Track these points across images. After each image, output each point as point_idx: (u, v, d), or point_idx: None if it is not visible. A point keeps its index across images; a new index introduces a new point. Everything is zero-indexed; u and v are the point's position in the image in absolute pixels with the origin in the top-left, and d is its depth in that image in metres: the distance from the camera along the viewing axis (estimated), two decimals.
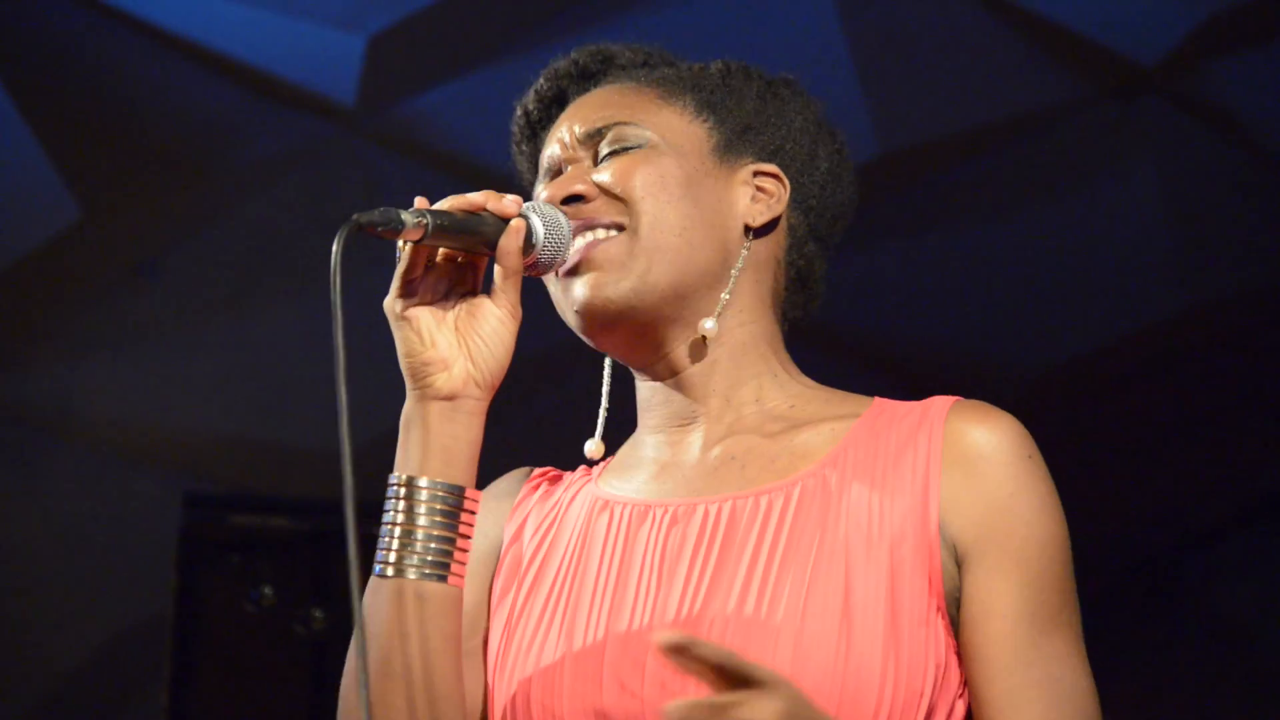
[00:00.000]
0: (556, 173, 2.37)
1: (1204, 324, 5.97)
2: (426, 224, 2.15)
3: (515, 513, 2.39)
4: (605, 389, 2.43)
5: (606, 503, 2.32)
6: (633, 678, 2.13)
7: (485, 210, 2.22)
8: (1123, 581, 6.71)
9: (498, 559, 2.35)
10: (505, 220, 2.21)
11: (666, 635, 1.83)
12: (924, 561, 2.13)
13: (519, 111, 2.49)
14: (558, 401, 5.04)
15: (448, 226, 2.17)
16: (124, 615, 6.08)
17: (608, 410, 2.43)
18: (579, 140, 2.37)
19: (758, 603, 2.13)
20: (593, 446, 2.40)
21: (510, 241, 2.20)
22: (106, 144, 5.38)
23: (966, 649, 2.14)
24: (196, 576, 5.59)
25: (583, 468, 2.43)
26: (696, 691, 2.03)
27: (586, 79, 2.46)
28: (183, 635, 5.55)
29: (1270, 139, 5.53)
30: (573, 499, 2.37)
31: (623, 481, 2.34)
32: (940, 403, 2.23)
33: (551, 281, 2.33)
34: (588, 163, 2.36)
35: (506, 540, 2.36)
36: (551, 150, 2.39)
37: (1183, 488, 6.64)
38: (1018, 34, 5.30)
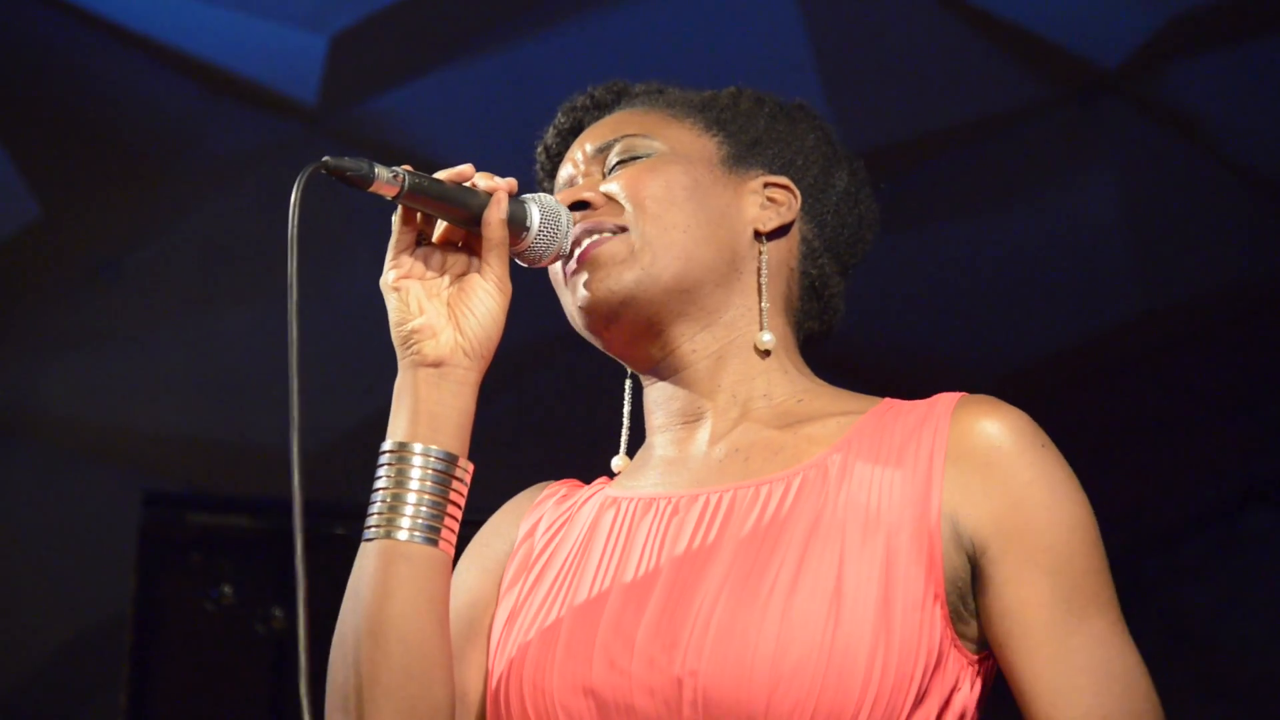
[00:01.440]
0: (569, 187, 2.41)
1: (1162, 326, 5.99)
2: (403, 181, 2.16)
3: (531, 514, 2.41)
4: (627, 406, 2.45)
5: (614, 500, 2.34)
6: (622, 655, 2.14)
7: (474, 184, 2.24)
8: None
9: (510, 556, 2.38)
10: (491, 195, 2.24)
11: None
12: (922, 550, 2.13)
13: (539, 148, 2.52)
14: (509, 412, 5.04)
15: (426, 187, 2.19)
16: (83, 614, 6.06)
17: (629, 428, 2.44)
18: (589, 156, 2.40)
19: (747, 579, 2.13)
20: (619, 463, 2.43)
21: (493, 213, 2.22)
22: (67, 143, 5.37)
23: (1005, 643, 2.13)
24: (156, 575, 5.57)
25: (602, 478, 2.45)
26: (684, 669, 2.08)
27: (601, 109, 2.49)
28: (142, 634, 5.53)
29: (1230, 141, 5.56)
30: (586, 501, 2.39)
31: (632, 481, 2.36)
32: (947, 398, 2.24)
33: (560, 288, 2.36)
34: (598, 176, 2.39)
35: (520, 537, 2.39)
36: (565, 170, 2.43)
37: (1140, 490, 6.67)
38: (979, 36, 5.31)
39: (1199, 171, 5.58)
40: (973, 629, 2.16)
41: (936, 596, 2.12)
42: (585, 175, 2.40)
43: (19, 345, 5.78)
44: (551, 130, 2.52)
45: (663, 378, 2.37)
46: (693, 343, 2.34)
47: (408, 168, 2.19)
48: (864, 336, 5.81)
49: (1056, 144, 5.56)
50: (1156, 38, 5.34)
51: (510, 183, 2.26)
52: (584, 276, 2.31)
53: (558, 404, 5.67)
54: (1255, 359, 6.18)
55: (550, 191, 2.48)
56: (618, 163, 2.38)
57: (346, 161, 2.14)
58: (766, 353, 2.35)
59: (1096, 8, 5.32)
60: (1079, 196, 5.66)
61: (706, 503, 2.25)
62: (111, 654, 5.64)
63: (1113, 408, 6.30)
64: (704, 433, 2.34)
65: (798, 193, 2.41)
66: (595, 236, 2.32)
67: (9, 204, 5.44)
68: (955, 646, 2.14)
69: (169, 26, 5.20)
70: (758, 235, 2.38)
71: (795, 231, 2.41)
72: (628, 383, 2.46)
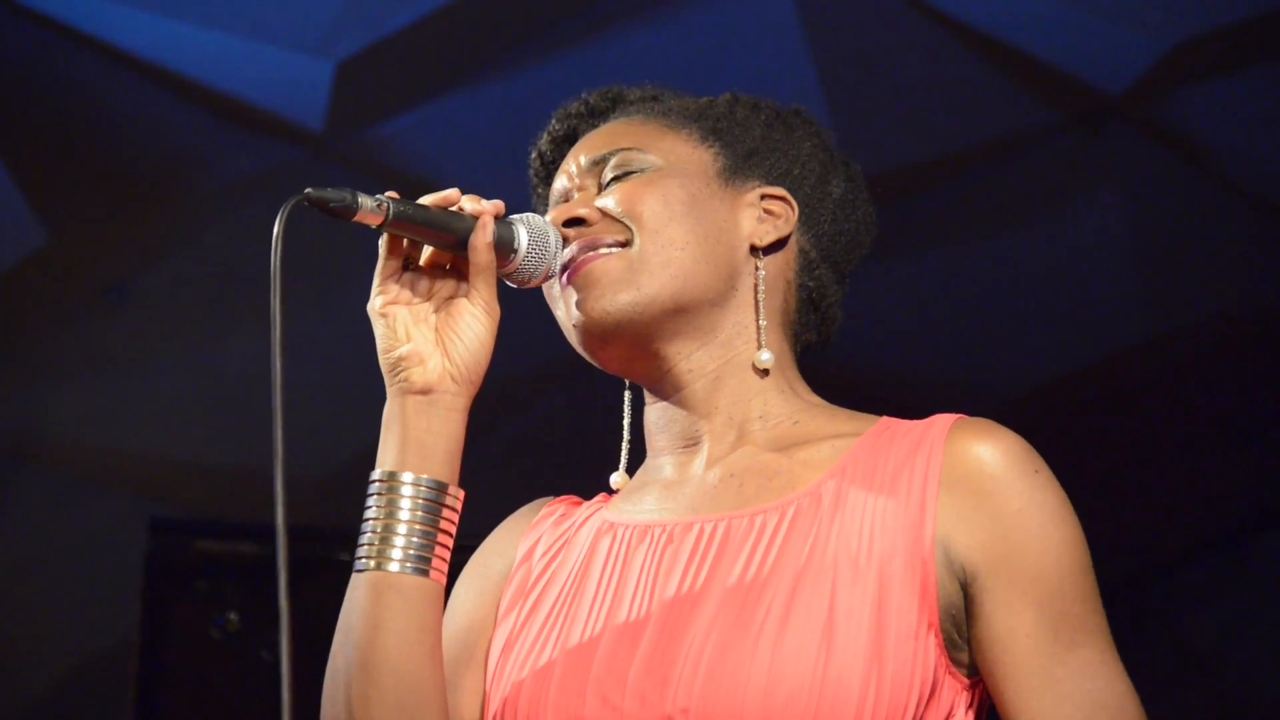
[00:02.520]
0: (564, 202, 2.39)
1: (1169, 351, 5.99)
2: (387, 209, 2.16)
3: (529, 534, 2.40)
4: (626, 420, 2.44)
5: (611, 525, 2.33)
6: (614, 691, 2.13)
7: (461, 207, 2.23)
8: None
9: (508, 578, 2.37)
10: (478, 219, 2.22)
11: None
12: (915, 578, 2.12)
13: (533, 154, 2.51)
14: (518, 434, 5.04)
15: (411, 215, 2.18)
16: (89, 640, 6.06)
17: (630, 441, 2.44)
18: (584, 169, 2.39)
19: (739, 615, 2.12)
20: (618, 479, 2.42)
21: (479, 237, 2.21)
22: (74, 168, 5.38)
23: (994, 671, 2.12)
24: (162, 602, 5.57)
25: (601, 495, 2.44)
26: (674, 706, 2.07)
27: (596, 116, 2.48)
28: (148, 661, 5.53)
29: (1236, 166, 5.56)
30: (583, 523, 2.38)
31: (630, 505, 2.35)
32: (942, 421, 2.23)
33: (556, 303, 2.34)
34: (593, 190, 2.37)
35: (518, 560, 2.37)
36: (559, 182, 2.41)
37: (1146, 514, 6.66)
38: (985, 61, 5.31)
39: (1205, 196, 5.58)
40: (967, 655, 2.15)
41: (930, 625, 2.11)
42: (580, 189, 2.38)
43: (26, 370, 5.78)
44: (546, 137, 2.50)
45: (663, 396, 2.36)
46: (689, 362, 2.33)
47: (392, 195, 2.18)
48: (871, 360, 5.80)
49: (1063, 169, 5.56)
50: (1162, 63, 5.34)
51: (497, 205, 2.25)
52: (577, 294, 2.30)
53: (562, 426, 5.67)
54: (1261, 384, 6.17)
55: (544, 198, 2.47)
56: (613, 178, 2.36)
57: (329, 193, 2.14)
58: (765, 371, 2.34)
59: (1102, 34, 5.32)
60: (1085, 221, 5.66)
61: (701, 532, 2.23)
62: (117, 681, 5.63)
63: (1119, 432, 6.30)
64: (701, 457, 2.33)
65: (795, 204, 2.40)
66: (595, 254, 2.30)
67: (16, 230, 5.45)
68: (950, 673, 2.13)
69: (176, 53, 5.21)
70: (754, 250, 2.36)
71: (792, 243, 2.40)
72: (627, 394, 2.45)
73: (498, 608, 2.34)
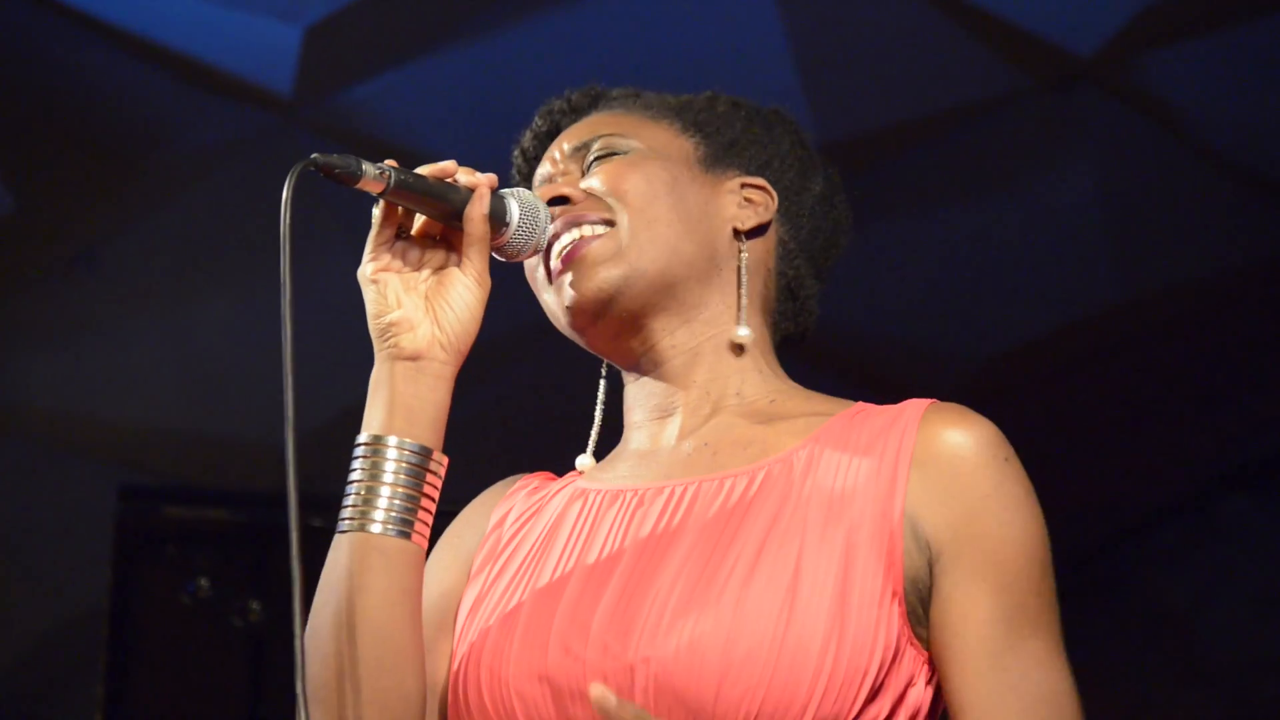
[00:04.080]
0: (547, 184, 2.42)
1: (1139, 315, 6.00)
2: (389, 177, 2.17)
3: (502, 504, 2.43)
4: (600, 401, 2.46)
5: (583, 491, 2.35)
6: (577, 642, 2.15)
7: (456, 179, 2.25)
8: (1061, 572, 6.74)
9: (479, 546, 2.39)
10: (473, 191, 2.25)
11: (596, 691, 1.92)
12: (881, 548, 2.14)
13: (516, 151, 2.54)
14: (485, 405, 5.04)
15: (411, 184, 2.20)
16: (60, 608, 6.05)
17: (602, 423, 2.46)
18: (568, 155, 2.42)
19: (704, 569, 2.14)
20: (585, 461, 2.44)
21: (475, 208, 2.24)
22: (42, 134, 5.36)
23: (944, 652, 2.14)
24: (133, 569, 5.57)
25: (574, 471, 2.46)
26: (637, 656, 2.09)
27: (577, 113, 2.50)
28: (119, 628, 5.53)
29: (1206, 130, 5.56)
30: (557, 493, 2.40)
31: (604, 474, 2.38)
32: (916, 404, 2.25)
33: (543, 288, 2.37)
34: (576, 175, 2.40)
35: (489, 528, 2.40)
36: (543, 168, 2.44)
37: (1117, 477, 6.68)
38: (954, 25, 5.31)
39: (1175, 160, 5.59)
40: (927, 630, 2.17)
41: (895, 594, 2.13)
42: (564, 174, 2.41)
43: None
44: (529, 134, 2.53)
45: (642, 373, 2.39)
46: (672, 338, 2.36)
47: (392, 163, 2.20)
48: (843, 326, 5.81)
49: (1032, 133, 5.57)
50: (1131, 26, 5.35)
51: (491, 178, 2.27)
52: (570, 276, 2.32)
53: (541, 394, 5.67)
54: (1230, 347, 6.19)
55: None
56: (595, 159, 2.39)
57: (335, 159, 2.15)
58: (741, 349, 2.37)
59: None
60: (1055, 185, 5.67)
61: (671, 494, 2.26)
62: (88, 648, 5.63)
63: (1089, 396, 6.32)
64: (674, 427, 2.35)
65: (774, 194, 2.43)
66: (579, 234, 2.33)
67: None
68: (912, 644, 2.14)
69: (144, 18, 5.19)
70: (736, 234, 2.39)
71: (772, 232, 2.43)
72: (602, 382, 2.47)
73: (469, 574, 2.36)
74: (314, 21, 5.22)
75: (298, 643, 2.03)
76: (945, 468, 2.18)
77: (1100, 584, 6.92)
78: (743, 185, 2.42)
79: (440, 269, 2.26)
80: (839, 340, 5.83)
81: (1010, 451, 2.21)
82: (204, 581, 5.53)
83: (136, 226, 5.57)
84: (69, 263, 5.64)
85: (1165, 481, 6.77)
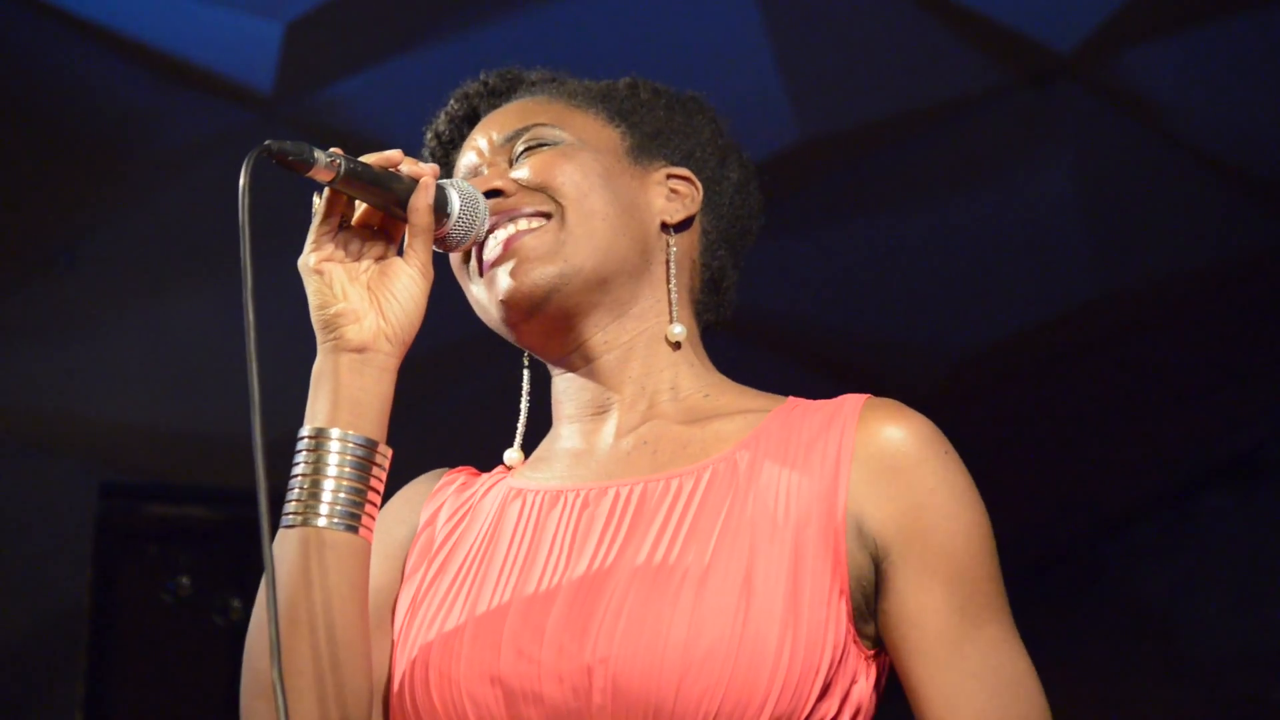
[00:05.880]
0: (475, 177, 2.40)
1: (1118, 310, 6.01)
2: (339, 166, 2.16)
3: (431, 501, 2.41)
4: (525, 397, 2.46)
5: (520, 491, 2.34)
6: (531, 644, 2.14)
7: (400, 170, 2.24)
8: (1041, 568, 6.76)
9: (411, 542, 2.37)
10: (417, 181, 2.23)
11: None
12: (828, 546, 2.15)
13: (429, 135, 2.52)
14: (473, 396, 5.03)
15: (360, 173, 2.19)
16: (40, 605, 6.04)
17: (526, 420, 2.45)
18: (496, 145, 2.40)
19: (659, 570, 2.14)
20: (513, 456, 2.43)
21: (420, 199, 2.22)
22: (20, 132, 5.34)
23: (903, 646, 2.15)
24: (113, 566, 5.57)
25: (501, 466, 2.45)
26: (594, 657, 2.09)
27: (496, 96, 2.50)
28: (99, 626, 5.52)
29: (1184, 126, 5.58)
30: (488, 490, 2.39)
31: (538, 473, 2.36)
32: (854, 399, 2.25)
33: (472, 280, 2.36)
34: (504, 166, 2.38)
35: (421, 524, 2.38)
36: (468, 158, 2.42)
37: (1097, 473, 6.69)
38: (934, 21, 5.32)
39: (1154, 155, 5.60)
40: (871, 628, 2.18)
41: (842, 592, 2.14)
42: (491, 164, 2.39)
43: None
44: (444, 116, 2.52)
45: (572, 369, 2.38)
46: (604, 334, 2.35)
47: (338, 151, 2.19)
48: (821, 320, 5.81)
49: (1012, 128, 5.57)
50: (1110, 22, 5.36)
51: (434, 168, 2.25)
52: (505, 268, 2.31)
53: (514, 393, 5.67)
54: (1210, 342, 6.21)
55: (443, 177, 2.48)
56: (525, 149, 2.38)
57: (289, 145, 2.13)
58: (676, 345, 2.37)
59: None
60: (1035, 181, 5.67)
61: (617, 495, 2.25)
62: (68, 645, 5.63)
63: (1068, 391, 6.33)
64: (610, 425, 2.35)
65: (699, 185, 2.43)
66: (514, 228, 2.32)
67: None
68: (855, 642, 2.15)
69: (124, 14, 5.18)
70: (665, 227, 2.39)
71: (697, 224, 2.43)
72: (526, 374, 2.46)
73: (402, 572, 2.34)
74: (295, 18, 5.21)
75: (272, 629, 2.02)
76: (888, 464, 2.18)
77: (1080, 579, 6.93)
78: (669, 177, 2.41)
79: (380, 259, 2.24)
80: (818, 335, 5.83)
81: (949, 444, 2.22)
82: (185, 579, 5.53)
83: (116, 224, 5.56)
84: (48, 260, 5.63)
85: (1145, 477, 6.78)
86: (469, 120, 2.49)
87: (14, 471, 5.99)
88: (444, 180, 2.29)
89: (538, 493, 2.31)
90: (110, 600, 5.55)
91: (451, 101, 2.51)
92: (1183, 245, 5.85)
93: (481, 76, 2.51)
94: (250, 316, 2.03)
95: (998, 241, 5.78)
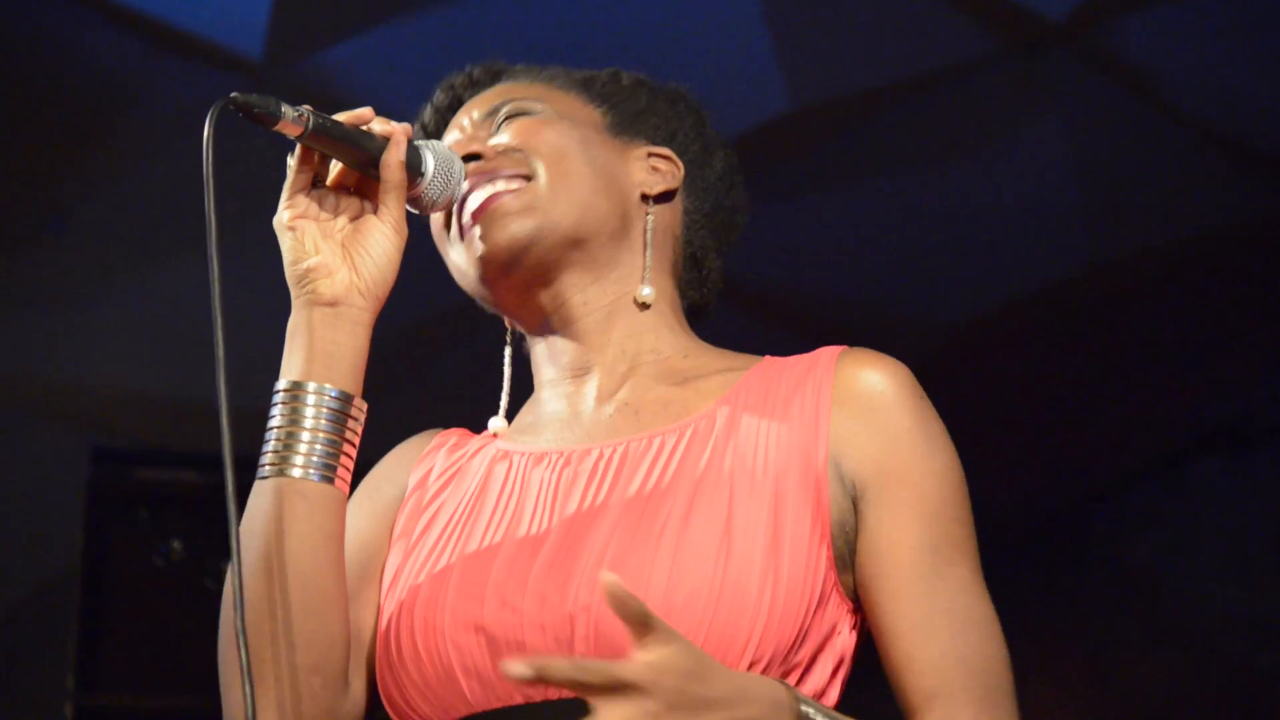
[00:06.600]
0: None
1: (1110, 279, 6.01)
2: (308, 121, 2.18)
3: (421, 462, 2.44)
4: (507, 367, 2.48)
5: (507, 453, 2.37)
6: (514, 594, 2.16)
7: (371, 128, 2.26)
8: (1029, 534, 6.77)
9: (401, 502, 2.40)
10: (389, 139, 2.26)
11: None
12: (809, 493, 2.19)
13: (416, 126, 2.54)
14: (456, 368, 5.03)
15: (330, 129, 2.21)
16: (32, 571, 6.05)
17: (510, 389, 2.47)
18: (477, 122, 2.44)
19: (640, 520, 2.17)
20: (498, 424, 2.46)
21: (391, 155, 2.25)
22: (9, 99, 5.33)
23: (872, 582, 2.19)
24: (105, 531, 5.57)
25: (488, 433, 2.47)
26: (576, 605, 2.12)
27: (479, 87, 2.53)
28: (91, 590, 5.53)
29: (1177, 94, 5.57)
30: (476, 452, 2.42)
31: (525, 437, 2.39)
32: (830, 350, 2.30)
33: (452, 244, 2.39)
34: (486, 136, 2.42)
35: (411, 485, 2.41)
36: (451, 136, 2.45)
37: (1088, 440, 6.70)
38: None
39: (1146, 124, 5.60)
40: (852, 579, 2.21)
41: (823, 538, 2.17)
42: (473, 138, 2.42)
43: None
44: (429, 108, 2.54)
45: (552, 331, 2.41)
46: (584, 295, 2.38)
47: (309, 107, 2.20)
48: (813, 289, 5.81)
49: (1004, 97, 5.57)
50: None
51: (406, 127, 2.28)
52: (481, 229, 2.34)
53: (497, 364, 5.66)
54: (1201, 311, 6.21)
55: None
56: (505, 119, 2.41)
57: (254, 98, 2.16)
58: (647, 307, 2.40)
59: None
60: (1027, 150, 5.67)
61: (600, 456, 2.28)
62: (61, 610, 5.63)
63: (1060, 359, 6.33)
64: (592, 388, 2.38)
65: (680, 164, 2.47)
66: (492, 189, 2.35)
67: None
68: (836, 591, 2.18)
69: None
70: (644, 198, 2.42)
71: (678, 201, 2.47)
72: (507, 350, 2.49)
73: (392, 530, 2.37)
74: None
75: (234, 579, 2.04)
76: (864, 406, 2.23)
77: (1070, 545, 6.95)
78: (650, 154, 2.45)
79: (356, 218, 2.27)
80: (807, 303, 5.84)
81: (922, 390, 2.26)
82: (177, 544, 5.54)
83: (106, 190, 5.56)
84: (39, 227, 5.63)
85: (1135, 444, 6.79)
86: (453, 110, 2.51)
87: (6, 437, 5.99)
88: (419, 141, 2.32)
89: (524, 454, 2.34)
90: (102, 565, 5.56)
91: (437, 93, 2.54)
92: (1175, 214, 5.85)
93: (466, 69, 2.54)
94: (215, 269, 2.07)
95: (989, 210, 5.78)
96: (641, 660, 1.88)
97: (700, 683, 1.91)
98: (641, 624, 1.89)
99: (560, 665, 1.85)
